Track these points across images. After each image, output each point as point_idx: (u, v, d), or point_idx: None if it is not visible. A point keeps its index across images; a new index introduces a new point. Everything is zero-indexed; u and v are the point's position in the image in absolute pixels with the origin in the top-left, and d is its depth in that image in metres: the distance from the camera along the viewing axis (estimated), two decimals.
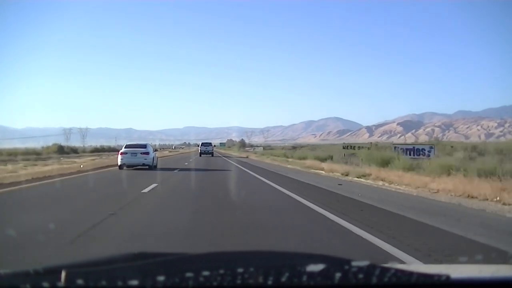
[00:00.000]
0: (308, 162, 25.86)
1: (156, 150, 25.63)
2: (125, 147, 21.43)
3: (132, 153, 20.68)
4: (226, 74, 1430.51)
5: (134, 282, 1.08)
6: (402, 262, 3.91)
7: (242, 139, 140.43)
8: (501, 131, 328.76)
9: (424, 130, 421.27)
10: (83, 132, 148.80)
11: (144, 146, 21.91)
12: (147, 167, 20.67)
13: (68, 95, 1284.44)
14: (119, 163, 20.59)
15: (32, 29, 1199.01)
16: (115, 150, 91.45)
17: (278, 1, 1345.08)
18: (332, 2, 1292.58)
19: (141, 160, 20.67)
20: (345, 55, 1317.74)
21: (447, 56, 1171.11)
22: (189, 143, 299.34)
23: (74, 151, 71.84)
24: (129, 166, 20.63)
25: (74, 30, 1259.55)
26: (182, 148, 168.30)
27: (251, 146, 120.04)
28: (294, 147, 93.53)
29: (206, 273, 1.11)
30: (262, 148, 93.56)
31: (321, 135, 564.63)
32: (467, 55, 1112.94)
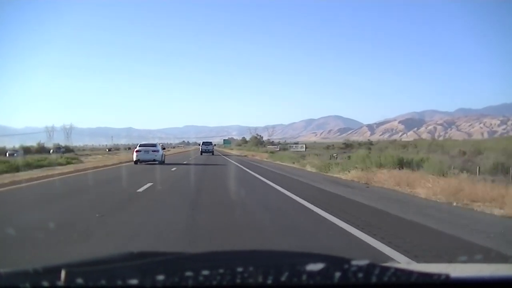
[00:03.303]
0: None
1: (164, 149, 29.45)
2: (139, 146, 25.84)
3: (145, 151, 24.93)
4: (226, 73, 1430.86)
5: (134, 281, 1.08)
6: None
7: (257, 134, 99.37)
8: (504, 129, 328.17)
9: (426, 128, 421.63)
10: (67, 131, 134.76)
11: (155, 145, 26.47)
12: (157, 162, 24.47)
13: (68, 94, 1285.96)
14: (134, 159, 24.84)
15: (32, 27, 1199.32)
16: (44, 151, 58.64)
17: None
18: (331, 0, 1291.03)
19: (152, 156, 24.71)
20: (344, 53, 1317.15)
21: (446, 54, 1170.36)
22: (188, 141, 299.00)
23: None
24: (142, 161, 24.53)
25: (73, 29, 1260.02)
26: (174, 147, 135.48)
27: (272, 144, 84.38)
28: (347, 145, 65.74)
29: (205, 272, 1.11)
30: (303, 146, 57.50)
31: (321, 133, 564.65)
32: (467, 53, 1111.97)
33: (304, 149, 49.15)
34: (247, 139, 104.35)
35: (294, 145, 59.67)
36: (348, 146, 62.73)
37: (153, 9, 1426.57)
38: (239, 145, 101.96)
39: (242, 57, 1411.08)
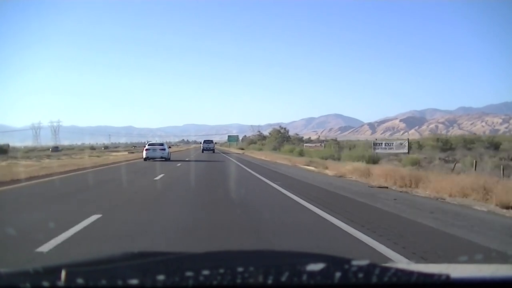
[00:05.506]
0: None
1: (170, 147, 32.74)
2: (148, 145, 29.41)
3: (153, 149, 28.31)
4: (226, 72, 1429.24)
5: (134, 281, 1.09)
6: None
7: (281, 126, 69.83)
8: (506, 127, 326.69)
9: (427, 126, 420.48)
10: (55, 128, 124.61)
11: (162, 144, 29.99)
12: (163, 159, 27.56)
13: (66, 93, 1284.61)
14: (144, 156, 27.95)
15: (31, 22, 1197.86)
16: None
17: None
18: None
19: (160, 154, 27.82)
20: (345, 52, 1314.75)
21: (446, 53, 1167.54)
22: (188, 140, 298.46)
23: None
24: (151, 159, 27.49)
25: (72, 29, 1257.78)
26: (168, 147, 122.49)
27: (302, 140, 61.75)
28: (444, 142, 37.84)
29: (206, 272, 1.11)
30: (404, 143, 28.27)
31: (322, 132, 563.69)
32: (468, 51, 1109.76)
33: (406, 149, 27.54)
34: (266, 133, 75.82)
35: (383, 144, 29.21)
36: (445, 144, 36.61)
37: (153, 8, 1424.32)
38: (254, 142, 74.50)
39: (242, 56, 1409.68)
